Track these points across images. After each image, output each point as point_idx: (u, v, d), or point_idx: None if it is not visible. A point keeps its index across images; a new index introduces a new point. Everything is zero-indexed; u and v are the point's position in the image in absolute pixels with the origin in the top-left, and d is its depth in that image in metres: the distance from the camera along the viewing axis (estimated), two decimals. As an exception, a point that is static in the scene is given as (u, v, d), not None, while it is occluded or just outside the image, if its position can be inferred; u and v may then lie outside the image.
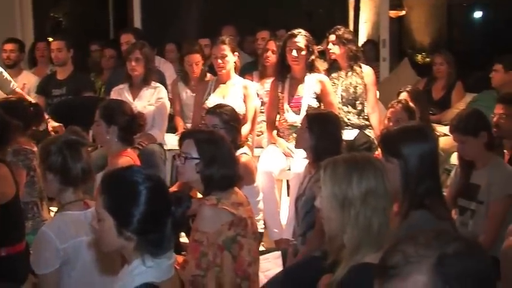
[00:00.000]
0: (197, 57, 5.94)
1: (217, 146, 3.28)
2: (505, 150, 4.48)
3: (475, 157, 3.85)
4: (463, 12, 10.93)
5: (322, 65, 5.48)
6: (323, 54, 5.81)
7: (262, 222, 4.73)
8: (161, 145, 5.38)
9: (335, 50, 5.39)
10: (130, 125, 4.13)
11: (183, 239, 4.57)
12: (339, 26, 5.53)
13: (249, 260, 3.21)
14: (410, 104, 4.61)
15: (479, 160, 3.84)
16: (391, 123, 4.62)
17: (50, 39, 7.26)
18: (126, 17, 8.52)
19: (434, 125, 5.38)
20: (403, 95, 4.95)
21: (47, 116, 5.55)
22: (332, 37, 5.40)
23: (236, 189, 3.35)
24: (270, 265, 3.88)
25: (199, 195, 4.51)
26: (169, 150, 5.54)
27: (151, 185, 2.18)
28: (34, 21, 8.42)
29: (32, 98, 5.87)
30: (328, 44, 5.48)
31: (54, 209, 3.95)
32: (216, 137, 3.41)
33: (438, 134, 5.27)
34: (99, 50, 7.62)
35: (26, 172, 4.25)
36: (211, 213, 3.13)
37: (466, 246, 1.32)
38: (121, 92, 5.46)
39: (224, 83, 5.31)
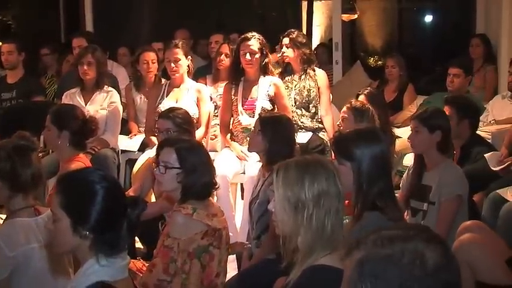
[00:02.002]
0: (152, 55, 5.90)
1: (198, 154, 3.27)
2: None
3: (424, 151, 3.89)
4: (413, 16, 11.11)
5: (275, 68, 5.49)
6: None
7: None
8: (114, 150, 5.33)
9: (289, 53, 5.41)
10: (82, 130, 4.07)
11: (138, 244, 4.53)
12: (292, 30, 5.55)
13: (218, 270, 3.21)
14: (358, 105, 4.61)
15: (429, 159, 3.88)
16: (337, 123, 4.67)
17: (-1, 42, 7.12)
18: (78, 20, 8.41)
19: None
20: (361, 98, 4.98)
21: None
22: (286, 40, 5.42)
23: (211, 199, 3.34)
24: (225, 269, 3.88)
25: (154, 199, 4.50)
26: (122, 152, 5.49)
27: (107, 184, 2.19)
28: (-18, 24, 8.27)
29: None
30: (281, 48, 5.50)
31: (3, 216, 3.86)
32: (195, 145, 3.40)
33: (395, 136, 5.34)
34: (49, 54, 7.50)
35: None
36: (185, 221, 3.12)
37: (400, 257, 1.39)
38: (73, 97, 5.39)
39: (177, 87, 5.28)
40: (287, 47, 5.41)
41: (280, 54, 5.49)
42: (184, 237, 3.09)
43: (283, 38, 5.46)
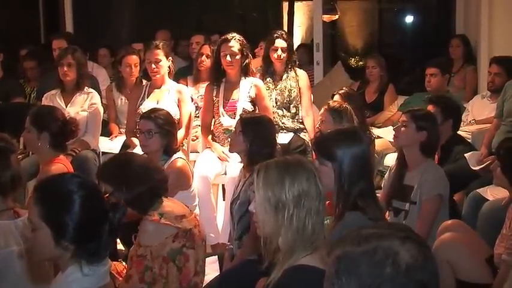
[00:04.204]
0: (135, 59, 5.89)
1: (122, 169, 3.27)
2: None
3: (405, 146, 3.91)
4: (393, 17, 11.15)
5: (256, 67, 5.49)
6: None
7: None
8: (95, 151, 5.30)
9: (285, 56, 5.41)
10: (63, 131, 4.04)
11: (119, 245, 4.50)
12: (281, 32, 5.56)
13: (197, 269, 3.21)
14: (336, 105, 4.60)
15: (410, 159, 3.89)
16: (317, 126, 4.68)
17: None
18: (58, 21, 8.35)
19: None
20: (336, 98, 4.99)
21: None
22: (283, 43, 5.40)
23: (173, 200, 3.33)
24: (207, 270, 3.87)
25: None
26: (103, 154, 5.46)
27: (85, 192, 2.15)
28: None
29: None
30: (270, 50, 5.48)
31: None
32: (120, 160, 3.43)
33: (374, 136, 5.35)
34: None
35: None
36: (154, 227, 3.13)
37: (372, 256, 1.41)
38: (53, 98, 5.35)
39: (158, 88, 5.26)
40: (283, 51, 5.40)
41: (277, 56, 5.45)
42: (155, 243, 3.10)
43: (276, 38, 5.42)
